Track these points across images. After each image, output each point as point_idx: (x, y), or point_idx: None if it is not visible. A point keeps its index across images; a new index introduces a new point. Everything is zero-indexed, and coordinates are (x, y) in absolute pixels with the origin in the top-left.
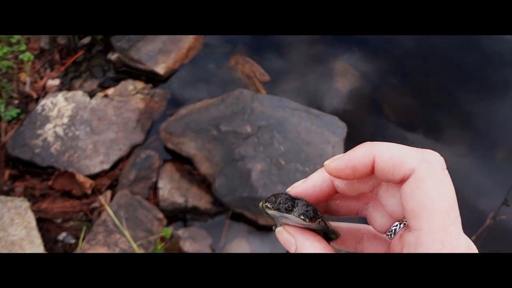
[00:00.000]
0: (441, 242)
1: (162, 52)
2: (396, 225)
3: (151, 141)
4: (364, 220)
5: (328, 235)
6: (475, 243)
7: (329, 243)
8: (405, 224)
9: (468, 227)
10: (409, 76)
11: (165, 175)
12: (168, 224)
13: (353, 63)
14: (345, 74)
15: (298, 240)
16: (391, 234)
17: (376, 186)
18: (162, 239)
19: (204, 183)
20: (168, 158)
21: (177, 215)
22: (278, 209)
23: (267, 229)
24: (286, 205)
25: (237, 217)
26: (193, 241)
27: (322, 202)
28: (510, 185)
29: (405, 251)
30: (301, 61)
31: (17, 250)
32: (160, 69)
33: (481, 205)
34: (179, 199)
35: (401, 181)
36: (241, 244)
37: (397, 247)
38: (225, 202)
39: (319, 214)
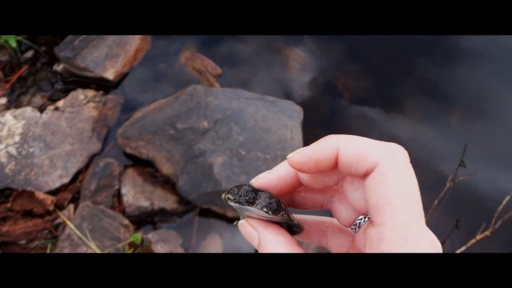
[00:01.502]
0: (404, 238)
1: (109, 57)
2: (361, 219)
3: (109, 149)
4: (329, 213)
5: (292, 228)
6: (438, 206)
7: (293, 236)
8: (369, 218)
9: (431, 191)
10: (361, 55)
11: (128, 181)
12: (137, 229)
13: (305, 49)
14: (298, 60)
15: (261, 233)
16: (355, 228)
17: (341, 179)
18: (132, 245)
19: (168, 184)
20: (128, 164)
21: (145, 219)
22: (239, 202)
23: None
24: (248, 197)
25: (206, 213)
26: (164, 243)
27: (286, 194)
28: (464, 147)
29: (368, 246)
30: (253, 51)
31: None
32: (109, 74)
33: (440, 169)
34: (145, 203)
35: (365, 175)
36: (214, 239)
37: (361, 241)
38: (191, 199)
39: (282, 207)
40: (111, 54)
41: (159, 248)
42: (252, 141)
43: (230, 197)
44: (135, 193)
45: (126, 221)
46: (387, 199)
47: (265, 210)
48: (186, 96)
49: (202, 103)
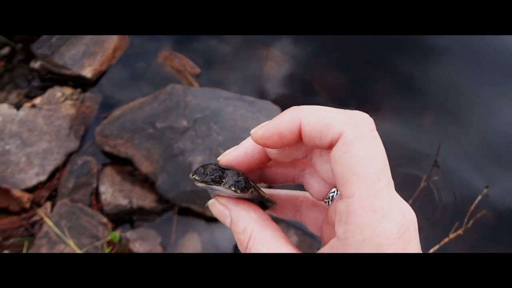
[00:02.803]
0: (371, 209)
1: (87, 55)
2: (333, 192)
3: (87, 147)
4: (303, 188)
5: (264, 203)
6: (412, 206)
7: (266, 211)
8: None
9: (405, 191)
10: (337, 54)
11: (106, 179)
12: (115, 228)
13: (282, 48)
14: (275, 60)
15: (232, 211)
16: (328, 201)
17: (309, 152)
18: (110, 243)
19: (147, 182)
20: (107, 162)
21: (123, 218)
22: (206, 181)
23: (216, 220)
24: (214, 176)
25: (184, 212)
26: (143, 242)
27: (255, 170)
28: (438, 147)
29: (337, 220)
30: (231, 51)
31: None
32: (87, 72)
33: (415, 168)
34: (123, 201)
35: (330, 146)
36: (192, 238)
37: (334, 215)
38: (170, 198)
39: (251, 184)
40: (89, 52)
41: (137, 247)
42: (231, 140)
43: (196, 177)
44: (114, 191)
45: (105, 219)
46: (353, 169)
47: (233, 189)
48: (165, 95)
49: (181, 102)
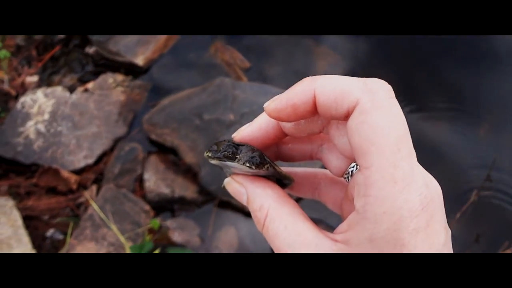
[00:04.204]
0: (392, 180)
1: (141, 43)
2: (353, 166)
3: (134, 134)
4: (321, 165)
5: (281, 181)
6: (460, 220)
7: (283, 189)
8: None
9: (453, 203)
10: (389, 54)
11: (150, 167)
12: (156, 216)
13: (333, 46)
14: (326, 57)
15: (248, 188)
16: (348, 177)
17: (326, 125)
18: (150, 230)
19: (190, 173)
20: (152, 150)
21: (164, 206)
22: (219, 158)
23: None
24: (227, 152)
25: (224, 205)
26: (182, 231)
27: (271, 146)
28: (492, 161)
29: (356, 193)
30: (282, 47)
31: (5, 249)
32: (140, 60)
33: (465, 181)
34: (165, 190)
35: (346, 116)
36: (229, 232)
37: (353, 190)
38: (211, 190)
39: (266, 160)
40: (142, 41)
41: (176, 235)
42: None
43: (210, 154)
44: (157, 180)
45: (147, 207)
46: (371, 139)
47: (248, 164)
48: (214, 88)
49: (230, 95)
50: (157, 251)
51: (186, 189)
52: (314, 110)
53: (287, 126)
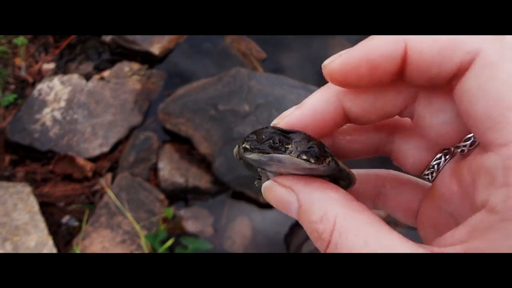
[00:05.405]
0: None
1: None
2: (439, 158)
3: (150, 123)
4: (382, 162)
5: (337, 182)
6: None
7: None
8: (452, 153)
9: None
10: None
11: (165, 156)
12: (170, 205)
13: (349, 37)
14: (342, 49)
15: (301, 194)
16: (430, 174)
17: (409, 103)
18: (165, 219)
19: (204, 163)
20: (167, 139)
21: (178, 195)
22: (262, 150)
23: (269, 207)
24: (273, 141)
25: (238, 196)
26: (195, 221)
27: (324, 137)
28: None
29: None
30: (298, 39)
31: (22, 234)
32: (156, 49)
33: None
34: (180, 179)
35: (453, 78)
36: (243, 222)
37: (447, 190)
38: (225, 181)
39: (327, 151)
40: None
41: (190, 225)
42: None
43: (247, 146)
44: (171, 169)
45: (162, 196)
46: (508, 102)
47: (305, 157)
48: (230, 78)
49: (245, 86)
50: (170, 241)
51: (200, 179)
52: (399, 72)
53: (355, 106)
